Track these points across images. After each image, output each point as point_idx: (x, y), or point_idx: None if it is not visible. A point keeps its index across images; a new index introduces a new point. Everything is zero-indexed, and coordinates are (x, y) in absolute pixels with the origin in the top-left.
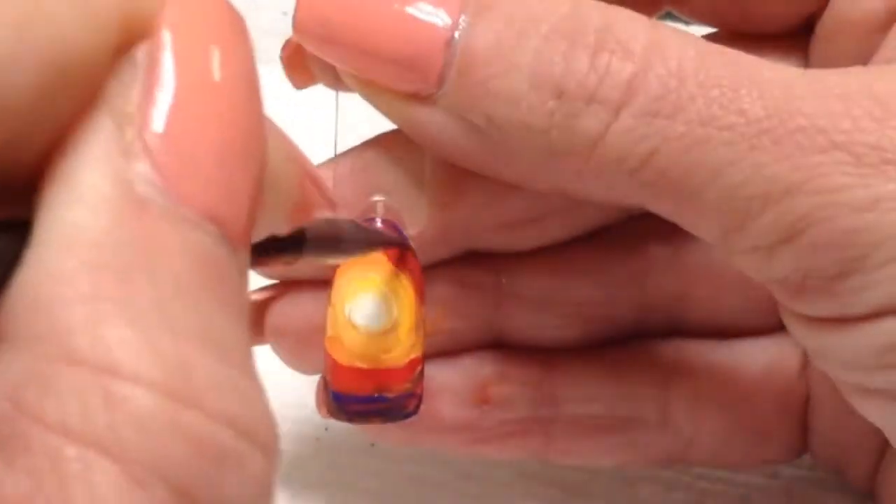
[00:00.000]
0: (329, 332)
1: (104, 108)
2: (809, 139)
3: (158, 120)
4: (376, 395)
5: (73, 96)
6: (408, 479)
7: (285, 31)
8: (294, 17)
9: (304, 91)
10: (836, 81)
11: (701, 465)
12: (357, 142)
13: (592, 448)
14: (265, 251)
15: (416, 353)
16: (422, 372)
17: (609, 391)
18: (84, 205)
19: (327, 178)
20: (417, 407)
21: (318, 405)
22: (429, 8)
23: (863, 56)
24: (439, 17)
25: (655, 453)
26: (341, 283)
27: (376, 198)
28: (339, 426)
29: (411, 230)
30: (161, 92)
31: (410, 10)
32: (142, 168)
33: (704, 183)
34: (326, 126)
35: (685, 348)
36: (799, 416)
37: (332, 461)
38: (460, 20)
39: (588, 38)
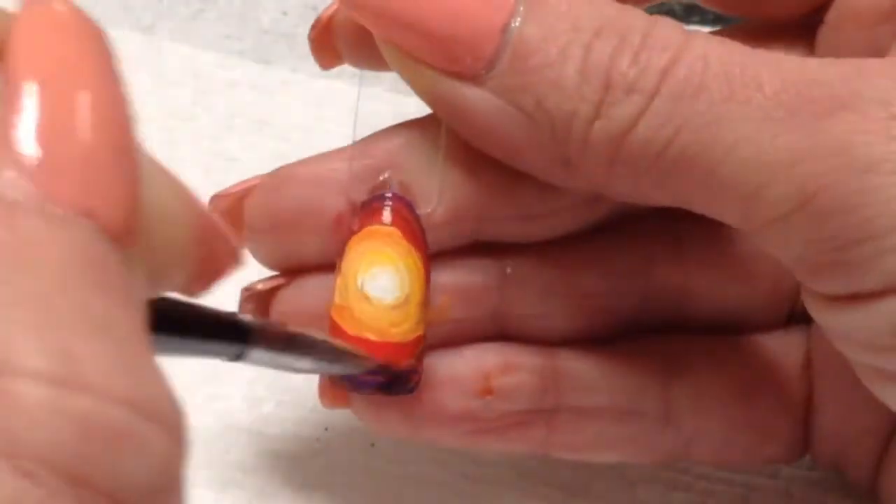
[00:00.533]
0: (337, 301)
1: None
2: (821, 106)
3: (24, 127)
4: (382, 367)
5: None
6: (408, 479)
7: (285, 30)
8: None
9: (310, 93)
10: (852, 60)
11: (702, 463)
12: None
13: (594, 441)
14: (204, 332)
15: (421, 331)
16: (423, 351)
17: (611, 383)
18: None
19: (339, 161)
20: (417, 384)
21: (321, 395)
22: None
23: (869, 47)
24: (497, 4)
25: (657, 449)
26: (354, 254)
27: (389, 174)
28: (340, 426)
29: (423, 208)
30: (23, 100)
31: None
32: (9, 174)
33: (720, 157)
34: (327, 126)
35: (688, 342)
36: (800, 414)
37: (332, 461)
38: (518, 8)
39: (634, 37)
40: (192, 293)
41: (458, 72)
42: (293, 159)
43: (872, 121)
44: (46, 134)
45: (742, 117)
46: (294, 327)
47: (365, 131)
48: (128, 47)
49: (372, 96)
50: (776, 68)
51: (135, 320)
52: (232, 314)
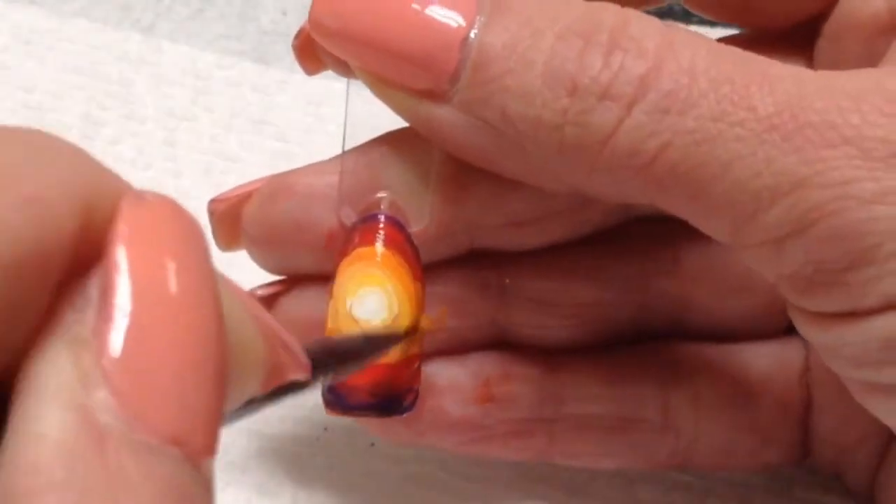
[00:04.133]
0: (329, 324)
1: (59, 334)
2: (819, 134)
3: (115, 344)
4: (374, 389)
5: (35, 297)
6: (408, 479)
7: (285, 31)
8: (309, 12)
9: (309, 93)
10: (846, 79)
11: (703, 469)
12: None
13: (594, 449)
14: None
15: (415, 349)
16: (419, 368)
17: (611, 392)
18: (46, 442)
19: (334, 173)
20: (414, 402)
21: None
22: (444, 8)
23: (868, 58)
24: (455, 18)
25: (656, 456)
26: (343, 277)
27: (380, 194)
28: (340, 426)
29: (415, 227)
30: (116, 314)
31: (426, 9)
32: (101, 395)
33: (714, 177)
34: (327, 126)
35: (687, 350)
36: (800, 420)
37: (332, 461)
38: (476, 20)
39: (602, 36)
40: (256, 395)
41: (426, 90)
42: (293, 159)
43: (876, 159)
44: (139, 349)
45: (735, 137)
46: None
47: (356, 133)
48: (128, 47)
49: (359, 93)
50: (768, 89)
51: None
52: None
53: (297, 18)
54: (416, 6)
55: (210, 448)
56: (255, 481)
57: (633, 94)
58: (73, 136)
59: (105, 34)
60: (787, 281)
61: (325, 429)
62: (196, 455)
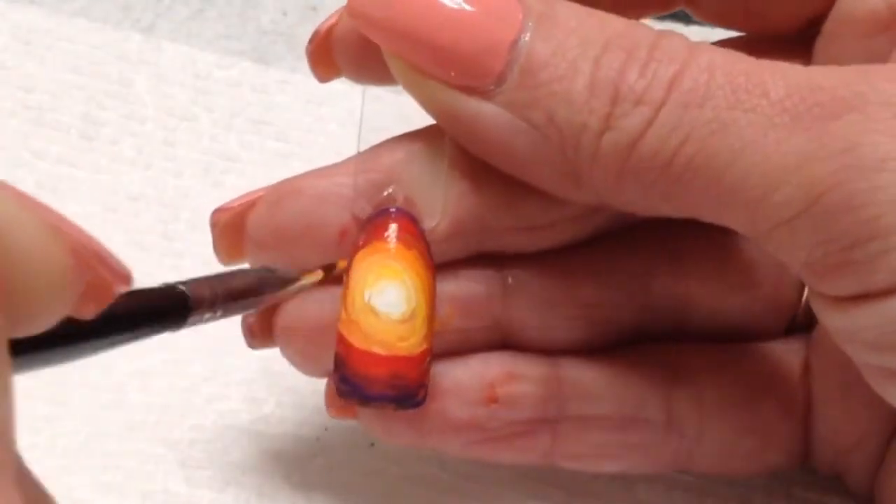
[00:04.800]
0: (344, 315)
1: None
2: (826, 110)
3: None
4: (391, 380)
5: None
6: (408, 479)
7: (285, 31)
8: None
9: (309, 93)
10: (855, 67)
11: (706, 470)
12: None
13: (598, 451)
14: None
15: (428, 344)
16: (430, 364)
17: (614, 392)
18: None
19: (342, 175)
20: (425, 397)
21: (328, 405)
22: (495, 9)
23: (867, 56)
24: (505, 21)
25: (660, 457)
26: (361, 268)
27: (394, 189)
28: (339, 426)
29: (427, 223)
30: None
31: (478, 9)
32: None
33: (727, 164)
34: (327, 126)
35: (689, 351)
36: (801, 421)
37: (332, 461)
38: (526, 25)
39: (641, 51)
40: (84, 316)
41: (467, 86)
42: (293, 159)
43: (878, 121)
44: None
45: (748, 123)
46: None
47: (369, 135)
48: (128, 47)
49: (375, 97)
50: (781, 75)
51: (6, 413)
52: (170, 287)
53: (297, 18)
54: (467, 4)
55: None
56: (255, 482)
57: (662, 97)
58: (73, 136)
59: (105, 34)
60: (806, 268)
61: (326, 429)
62: None
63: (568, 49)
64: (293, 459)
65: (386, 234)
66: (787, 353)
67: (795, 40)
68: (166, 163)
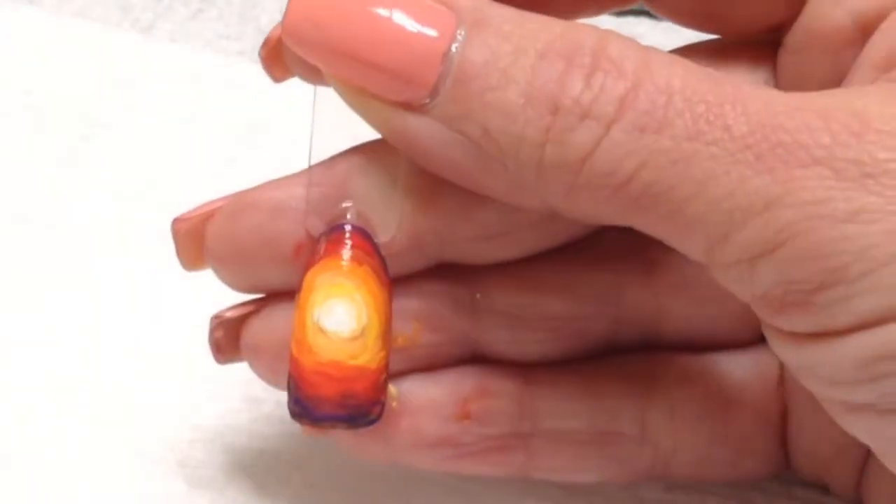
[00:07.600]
0: (296, 335)
1: None
2: (790, 154)
3: None
4: (342, 400)
5: None
6: (408, 479)
7: None
8: (283, 19)
9: (309, 93)
10: (815, 98)
11: (684, 479)
12: (334, 144)
13: (572, 464)
14: None
15: (382, 360)
16: (387, 379)
17: (588, 405)
18: None
19: (299, 186)
20: (381, 414)
21: (294, 416)
22: (425, 21)
23: (832, 70)
24: (435, 31)
25: (636, 468)
26: (310, 287)
27: (347, 204)
28: None
29: (382, 237)
30: None
31: (406, 21)
32: None
33: (689, 196)
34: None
35: (662, 361)
36: (777, 430)
37: (332, 461)
38: (457, 34)
39: (584, 58)
40: None
41: (403, 102)
42: (292, 160)
43: (848, 179)
44: None
45: (709, 157)
46: None
47: (323, 141)
48: (128, 47)
49: (326, 96)
50: (742, 109)
51: None
52: None
53: None
54: (396, 18)
55: None
56: (255, 482)
57: (613, 113)
58: (73, 136)
59: (105, 34)
60: (761, 301)
61: None
62: None
63: (501, 56)
64: (293, 460)
65: (338, 250)
66: (762, 362)
67: (763, 47)
68: (166, 163)
